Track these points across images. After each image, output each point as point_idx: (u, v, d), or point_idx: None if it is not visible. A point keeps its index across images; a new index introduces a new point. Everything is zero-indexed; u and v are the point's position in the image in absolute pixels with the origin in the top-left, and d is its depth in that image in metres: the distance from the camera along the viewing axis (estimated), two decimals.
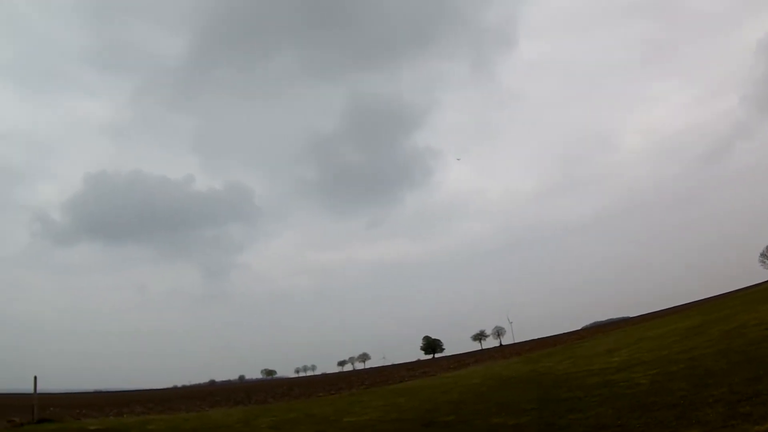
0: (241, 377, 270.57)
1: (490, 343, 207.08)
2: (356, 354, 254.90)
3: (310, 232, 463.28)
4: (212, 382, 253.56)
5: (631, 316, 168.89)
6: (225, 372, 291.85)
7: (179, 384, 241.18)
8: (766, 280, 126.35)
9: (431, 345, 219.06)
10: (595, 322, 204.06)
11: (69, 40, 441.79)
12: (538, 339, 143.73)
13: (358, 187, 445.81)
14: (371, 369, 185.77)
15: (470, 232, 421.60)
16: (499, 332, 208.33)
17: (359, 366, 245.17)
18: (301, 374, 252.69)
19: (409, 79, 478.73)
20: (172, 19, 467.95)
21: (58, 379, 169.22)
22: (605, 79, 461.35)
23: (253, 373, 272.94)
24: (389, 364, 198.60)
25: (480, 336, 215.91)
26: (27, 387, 42.56)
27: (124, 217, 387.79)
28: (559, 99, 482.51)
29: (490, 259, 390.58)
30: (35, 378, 35.43)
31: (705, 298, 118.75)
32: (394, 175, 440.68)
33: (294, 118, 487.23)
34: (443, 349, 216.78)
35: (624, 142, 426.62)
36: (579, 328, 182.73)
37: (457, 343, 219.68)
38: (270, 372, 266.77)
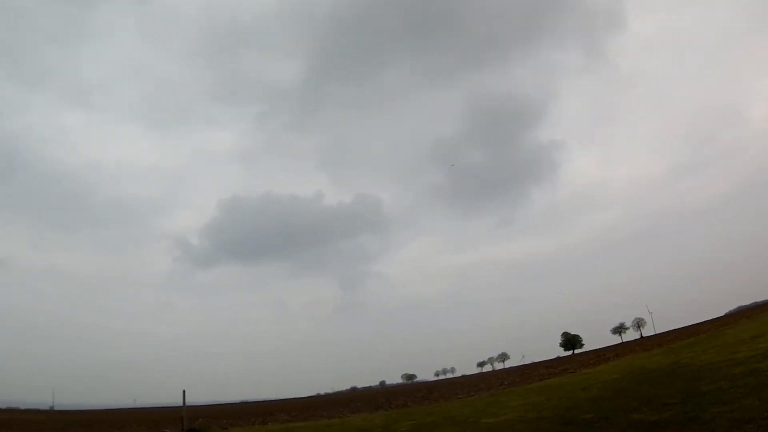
0: (382, 383, 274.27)
1: (631, 335, 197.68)
2: (495, 354, 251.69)
3: (441, 236, 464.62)
4: (354, 389, 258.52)
5: None
6: (366, 378, 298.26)
7: (322, 392, 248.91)
8: None
9: (570, 341, 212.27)
10: (739, 307, 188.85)
11: (190, 79, 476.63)
12: (680, 328, 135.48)
13: (485, 187, 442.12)
14: (511, 368, 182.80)
15: (601, 222, 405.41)
16: (639, 324, 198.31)
17: (498, 366, 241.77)
18: (441, 377, 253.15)
19: (524, 74, 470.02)
20: (284, 44, 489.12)
21: (205, 392, 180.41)
22: (724, 47, 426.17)
23: (394, 378, 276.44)
24: (528, 362, 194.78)
25: (620, 329, 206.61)
26: (176, 400, 45.72)
27: (259, 236, 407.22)
28: (678, 74, 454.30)
29: (625, 248, 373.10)
30: (183, 392, 38.04)
31: None
32: (519, 171, 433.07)
33: (414, 125, 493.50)
34: (583, 344, 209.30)
35: (752, 113, 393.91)
36: (722, 314, 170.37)
37: (596, 338, 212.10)
38: (410, 376, 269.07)
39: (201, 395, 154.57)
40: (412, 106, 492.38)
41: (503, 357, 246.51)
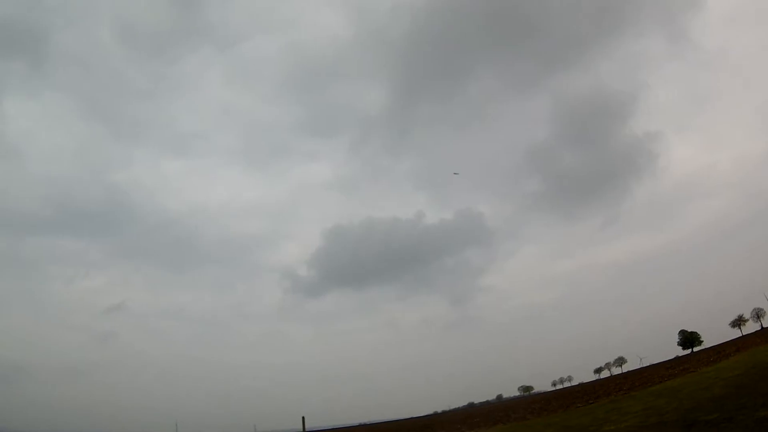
0: (499, 396, 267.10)
1: (751, 327, 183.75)
2: (611, 359, 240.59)
3: (547, 243, 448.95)
4: (471, 405, 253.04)
5: None
6: (483, 393, 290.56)
7: (439, 410, 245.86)
8: None
9: (688, 338, 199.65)
10: None
11: (282, 116, 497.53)
12: None
13: (585, 189, 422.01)
14: (629, 372, 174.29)
15: (709, 210, 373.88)
16: (758, 314, 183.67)
17: (616, 371, 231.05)
18: (558, 387, 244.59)
19: (609, 68, 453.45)
20: (367, 72, 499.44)
21: (324, 417, 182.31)
22: None
23: (511, 391, 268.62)
24: (647, 364, 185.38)
25: (738, 321, 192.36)
26: (296, 426, 46.66)
27: (365, 261, 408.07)
28: (766, 46, 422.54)
29: (736, 234, 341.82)
30: (303, 418, 38.95)
31: None
32: (617, 168, 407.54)
33: (505, 135, 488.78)
34: (701, 341, 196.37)
35: None
36: None
37: (715, 333, 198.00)
38: (527, 388, 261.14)
39: (320, 420, 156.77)
40: (501, 115, 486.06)
41: (620, 361, 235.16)
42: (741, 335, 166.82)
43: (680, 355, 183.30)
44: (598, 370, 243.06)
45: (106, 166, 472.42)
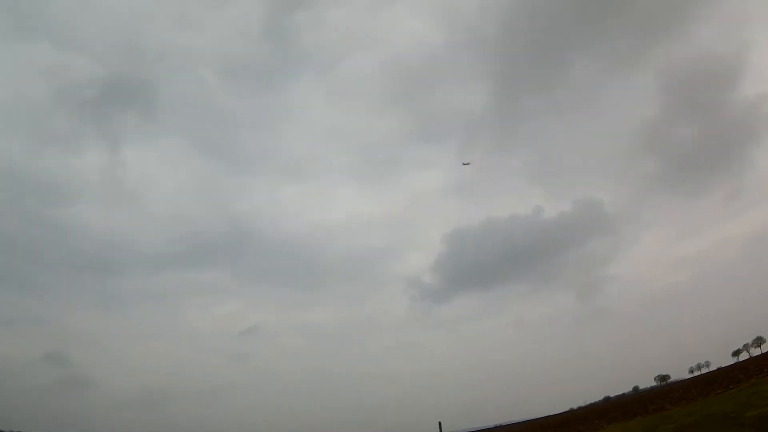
0: (635, 388, 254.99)
1: None
2: (749, 339, 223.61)
3: (670, 224, 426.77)
4: (607, 398, 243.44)
5: None
6: (618, 386, 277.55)
7: (575, 406, 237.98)
8: None
9: None
10: None
11: (389, 128, 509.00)
12: None
13: (703, 163, 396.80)
14: None
15: None
16: None
17: (755, 352, 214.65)
18: (696, 373, 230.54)
19: (710, 32, 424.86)
20: (465, 73, 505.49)
21: (459, 420, 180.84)
22: None
23: (647, 382, 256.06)
24: None
25: None
26: (433, 431, 47.27)
27: (487, 262, 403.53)
28: None
29: None
30: (440, 423, 39.74)
31: None
32: (734, 137, 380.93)
33: (613, 118, 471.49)
34: None
35: None
36: None
37: None
38: (664, 377, 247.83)
39: (456, 424, 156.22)
40: (606, 97, 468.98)
41: (759, 341, 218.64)
42: None
43: None
44: (736, 353, 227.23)
45: (227, 199, 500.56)
